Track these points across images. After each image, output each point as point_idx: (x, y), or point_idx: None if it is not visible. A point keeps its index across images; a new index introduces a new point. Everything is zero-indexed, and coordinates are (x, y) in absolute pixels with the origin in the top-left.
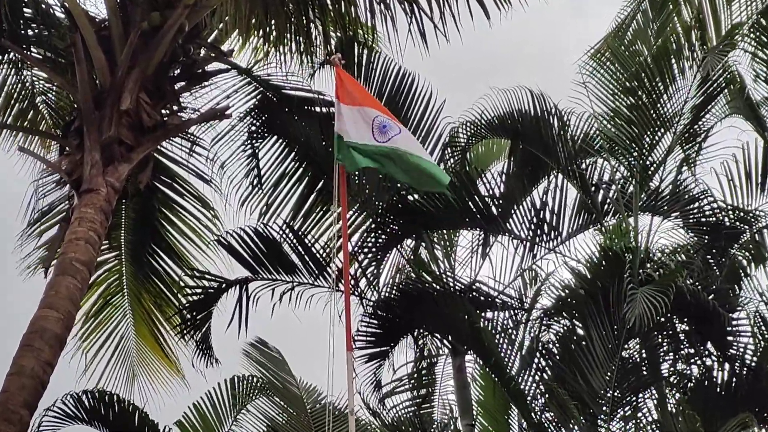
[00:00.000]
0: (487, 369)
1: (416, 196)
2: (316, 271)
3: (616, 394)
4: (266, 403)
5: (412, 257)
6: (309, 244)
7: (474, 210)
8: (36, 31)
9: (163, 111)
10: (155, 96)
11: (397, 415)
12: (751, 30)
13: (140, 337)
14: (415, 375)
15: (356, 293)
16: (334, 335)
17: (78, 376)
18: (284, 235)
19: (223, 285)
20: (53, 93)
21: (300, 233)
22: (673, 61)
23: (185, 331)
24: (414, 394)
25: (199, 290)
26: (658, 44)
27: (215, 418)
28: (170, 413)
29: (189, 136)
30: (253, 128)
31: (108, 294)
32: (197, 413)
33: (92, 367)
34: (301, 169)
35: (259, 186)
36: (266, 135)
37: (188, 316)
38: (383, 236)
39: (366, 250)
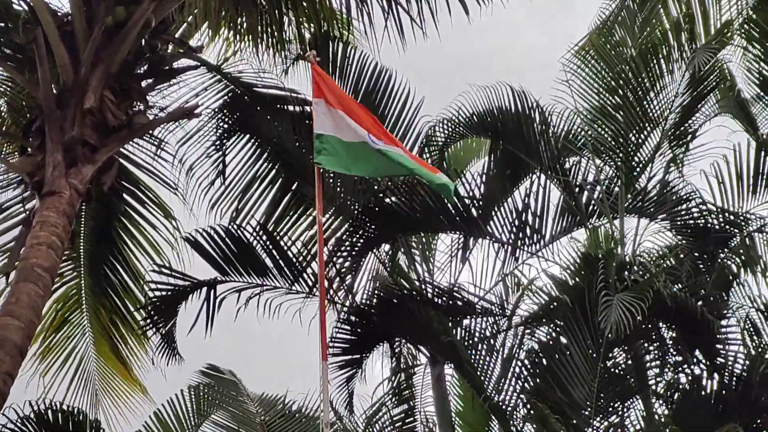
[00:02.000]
0: (466, 381)
1: (393, 199)
2: (290, 276)
3: (599, 404)
4: (225, 417)
5: (389, 262)
6: (283, 247)
7: (453, 212)
8: None
9: (129, 110)
10: (120, 94)
11: (373, 428)
12: (743, 26)
13: (101, 356)
14: (392, 385)
15: (331, 298)
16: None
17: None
18: (257, 237)
19: (190, 285)
20: (13, 91)
21: (274, 234)
22: (660, 57)
23: (149, 327)
24: (391, 405)
25: (166, 287)
26: (644, 40)
27: (177, 428)
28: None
29: (154, 138)
30: (225, 126)
31: (67, 309)
32: (158, 422)
33: (54, 385)
34: (273, 171)
35: (224, 185)
36: (238, 133)
37: (153, 313)
38: (359, 239)
39: (342, 253)
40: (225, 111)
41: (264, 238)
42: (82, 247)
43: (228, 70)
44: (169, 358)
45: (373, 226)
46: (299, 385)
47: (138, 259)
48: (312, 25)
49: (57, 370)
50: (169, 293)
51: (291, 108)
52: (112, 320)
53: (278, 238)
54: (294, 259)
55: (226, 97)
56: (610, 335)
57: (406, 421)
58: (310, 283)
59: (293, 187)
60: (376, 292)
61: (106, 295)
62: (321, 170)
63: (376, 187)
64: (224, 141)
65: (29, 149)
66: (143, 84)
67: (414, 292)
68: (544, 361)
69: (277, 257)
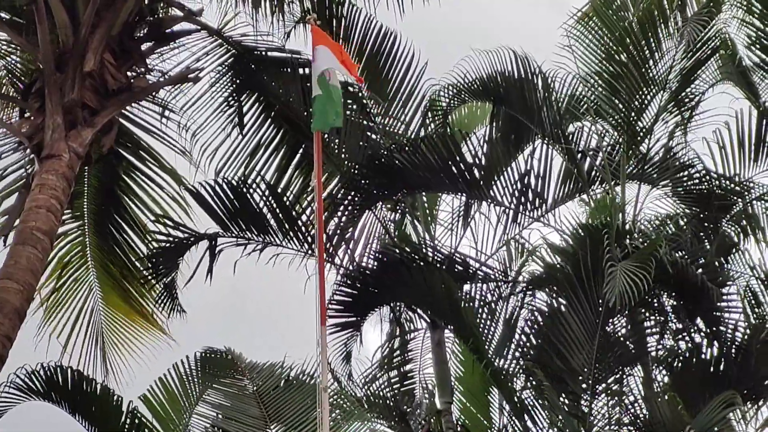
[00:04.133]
0: (466, 346)
1: (396, 156)
2: (290, 233)
3: (597, 371)
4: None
5: (390, 224)
6: (285, 203)
7: (456, 174)
8: None
9: (129, 73)
10: (121, 57)
11: (371, 391)
12: None
13: (111, 306)
14: (391, 348)
15: (330, 260)
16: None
17: (46, 353)
18: (260, 193)
19: (192, 238)
20: (14, 54)
21: (278, 191)
22: (660, 22)
23: (151, 278)
24: (389, 369)
25: (168, 239)
26: (644, 5)
27: (182, 393)
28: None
29: (159, 100)
30: (231, 88)
31: (71, 267)
32: (163, 388)
33: (59, 343)
34: (279, 136)
35: (241, 138)
36: (244, 96)
37: (154, 262)
38: (359, 196)
39: (343, 209)
40: (229, 74)
41: (266, 193)
42: (86, 207)
43: (229, 34)
44: (171, 310)
45: (374, 184)
46: (297, 351)
47: (145, 214)
48: None
49: (64, 327)
50: (171, 245)
51: (295, 70)
52: (123, 274)
53: (284, 197)
54: (295, 216)
55: (228, 62)
56: (615, 305)
57: (405, 383)
58: (311, 243)
59: (300, 151)
60: (377, 253)
61: (113, 252)
62: (322, 134)
63: (381, 145)
64: (235, 98)
65: (28, 112)
66: (143, 47)
67: (415, 255)
68: (543, 327)
69: (279, 214)
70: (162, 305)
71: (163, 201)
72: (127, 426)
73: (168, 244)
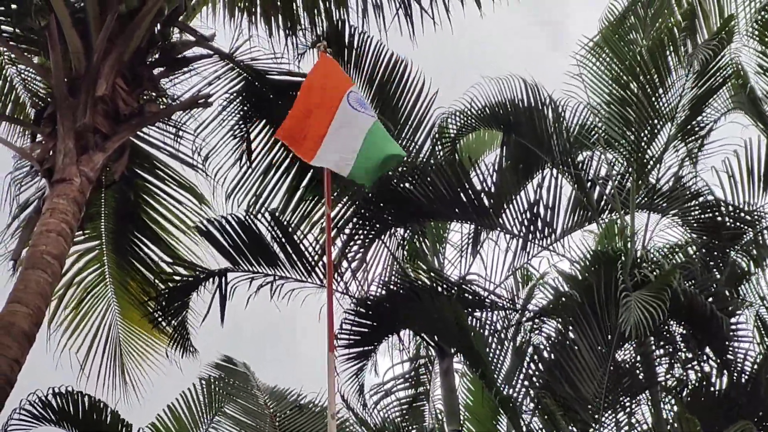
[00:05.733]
0: (475, 373)
1: (406, 185)
2: (299, 265)
3: (608, 399)
4: (237, 410)
5: (400, 251)
6: (293, 236)
7: (465, 201)
8: (7, 8)
9: (140, 98)
10: (132, 82)
11: (381, 418)
12: (756, 21)
13: (129, 320)
14: (401, 377)
15: (341, 289)
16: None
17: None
18: (268, 226)
19: (202, 275)
20: (25, 78)
21: (285, 224)
22: (670, 51)
23: (162, 319)
24: (399, 396)
25: (177, 278)
26: (654, 34)
27: (190, 421)
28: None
29: (173, 122)
30: (241, 113)
31: (89, 285)
32: (171, 415)
33: (77, 359)
34: (289, 159)
35: (249, 165)
36: (254, 120)
37: (164, 304)
38: (370, 224)
39: (351, 238)
40: (241, 98)
41: (275, 228)
42: (103, 227)
43: (241, 58)
44: (184, 350)
45: (384, 213)
46: (311, 381)
47: (166, 231)
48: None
49: (83, 343)
50: (180, 285)
51: None
52: (144, 290)
53: (290, 228)
54: (305, 250)
55: (239, 86)
56: (626, 334)
57: (414, 405)
58: (321, 275)
59: (309, 174)
60: (386, 282)
61: (134, 268)
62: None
63: (390, 173)
64: (243, 125)
65: (40, 136)
66: (155, 72)
67: (425, 283)
68: (552, 356)
69: (288, 248)
70: (173, 346)
71: (184, 215)
72: None
73: (176, 284)
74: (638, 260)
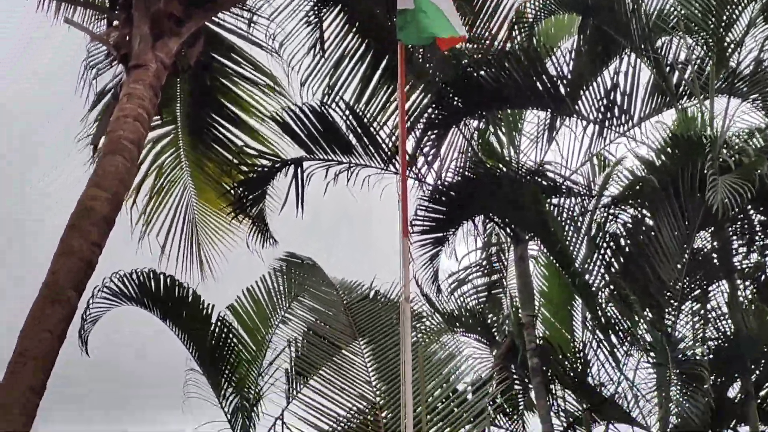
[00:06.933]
0: (552, 258)
1: (482, 72)
2: (373, 151)
3: (684, 285)
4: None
5: (476, 139)
6: (366, 123)
7: (541, 89)
8: None
9: None
10: None
11: (457, 305)
12: None
13: (205, 202)
14: (476, 265)
15: (415, 176)
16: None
17: (145, 254)
18: (342, 115)
19: (278, 164)
20: None
21: (358, 112)
22: None
23: (239, 209)
24: (476, 284)
25: (253, 163)
26: None
27: (269, 305)
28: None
29: (247, 6)
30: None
31: (166, 169)
32: (251, 298)
33: (156, 243)
34: (363, 47)
35: (322, 55)
36: (330, 6)
37: (244, 192)
38: (446, 112)
39: (428, 126)
40: None
41: (347, 113)
42: (179, 111)
43: None
44: (264, 240)
45: (459, 99)
46: (386, 272)
47: (244, 110)
48: None
49: (161, 227)
50: (257, 174)
51: None
52: (222, 170)
53: (363, 115)
54: (377, 136)
55: None
56: (710, 211)
57: (490, 296)
58: (396, 162)
59: (383, 63)
60: (462, 168)
61: (211, 149)
62: (406, 46)
63: (465, 61)
64: (318, 11)
65: (116, 22)
66: None
67: (502, 169)
68: (633, 241)
69: (360, 133)
70: (254, 237)
71: (259, 99)
72: (215, 333)
73: (253, 174)
74: (723, 144)
